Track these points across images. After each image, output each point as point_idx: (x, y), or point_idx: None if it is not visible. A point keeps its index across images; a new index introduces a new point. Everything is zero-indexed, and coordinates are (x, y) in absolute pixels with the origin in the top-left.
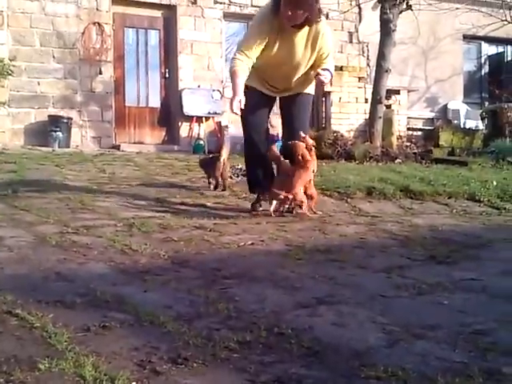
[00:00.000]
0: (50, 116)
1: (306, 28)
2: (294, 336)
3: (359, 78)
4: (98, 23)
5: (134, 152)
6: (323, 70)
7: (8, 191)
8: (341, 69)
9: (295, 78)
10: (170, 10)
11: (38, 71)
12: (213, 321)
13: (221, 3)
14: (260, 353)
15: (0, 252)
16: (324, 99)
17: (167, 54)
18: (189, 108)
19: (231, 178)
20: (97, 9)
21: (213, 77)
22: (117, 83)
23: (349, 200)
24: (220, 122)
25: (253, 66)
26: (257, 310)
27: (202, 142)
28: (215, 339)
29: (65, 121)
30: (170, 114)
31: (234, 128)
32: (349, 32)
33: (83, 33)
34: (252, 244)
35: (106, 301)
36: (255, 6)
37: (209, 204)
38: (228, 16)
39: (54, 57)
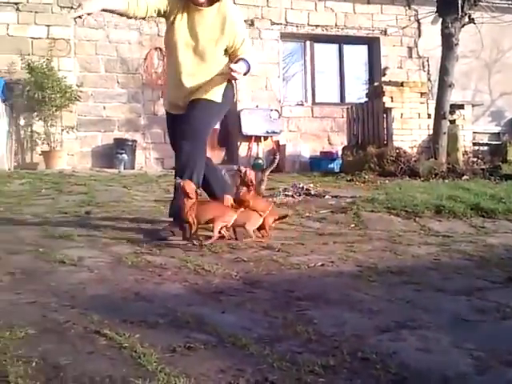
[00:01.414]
0: (115, 139)
1: (213, 9)
2: (379, 361)
3: (421, 94)
4: (160, 48)
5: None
6: (237, 61)
7: (81, 212)
8: (401, 84)
9: (199, 75)
10: None
11: (104, 96)
12: (293, 344)
13: (278, 24)
14: (345, 378)
15: (81, 272)
16: (385, 115)
17: None
18: (247, 128)
19: (293, 197)
20: (158, 34)
21: (270, 96)
22: None
23: (417, 219)
24: (278, 141)
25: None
26: (337, 333)
27: (260, 161)
28: (299, 363)
29: (129, 143)
30: (228, 134)
31: (292, 147)
32: (408, 47)
33: (145, 58)
34: (322, 265)
35: (186, 321)
36: (312, 26)
37: (272, 224)
38: (285, 36)
39: (118, 82)
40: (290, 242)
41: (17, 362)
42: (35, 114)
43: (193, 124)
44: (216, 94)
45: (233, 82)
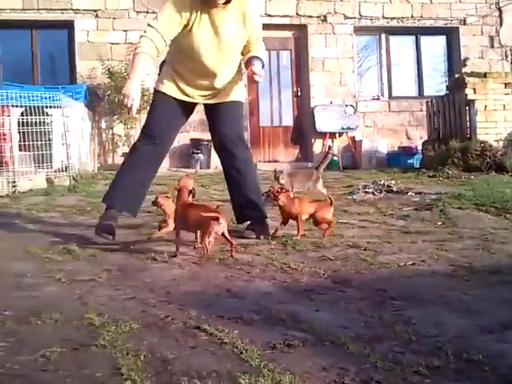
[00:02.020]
0: (191, 139)
1: (232, 5)
2: (487, 363)
3: (505, 84)
4: None
5: (270, 170)
6: (252, 61)
7: None
8: (484, 75)
9: (222, 74)
10: (301, 29)
11: None
12: (394, 344)
13: (351, 18)
14: (452, 379)
15: (173, 269)
16: (467, 108)
17: (299, 72)
18: (321, 124)
19: (374, 194)
20: None
21: (345, 92)
22: (251, 105)
23: (507, 215)
24: (354, 137)
25: (170, 65)
26: (438, 334)
27: (336, 158)
28: (402, 363)
29: (205, 143)
30: (302, 131)
31: (369, 143)
32: (489, 36)
33: None
34: (413, 264)
35: (281, 319)
36: (387, 18)
37: (354, 221)
38: (358, 30)
39: None
40: (375, 240)
41: (126, 355)
42: (115, 117)
43: (237, 129)
44: (241, 94)
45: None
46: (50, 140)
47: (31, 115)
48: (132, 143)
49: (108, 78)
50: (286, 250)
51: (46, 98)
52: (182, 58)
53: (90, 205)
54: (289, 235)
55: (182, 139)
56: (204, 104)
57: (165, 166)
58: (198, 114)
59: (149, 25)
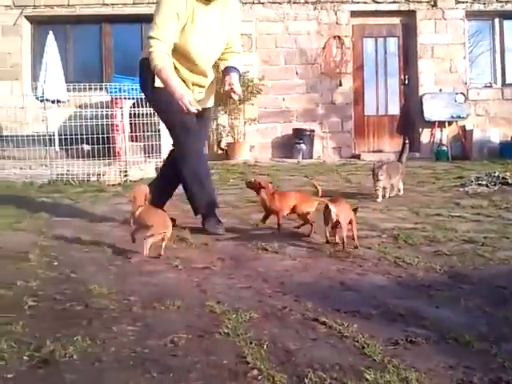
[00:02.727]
0: (293, 129)
1: (217, 4)
2: None
3: None
4: (338, 36)
5: (376, 161)
6: (231, 69)
7: None
8: None
9: (209, 75)
10: (409, 15)
11: (283, 88)
12: None
13: (463, 2)
14: None
15: (284, 260)
16: None
17: (406, 60)
18: (430, 113)
19: (487, 186)
20: (336, 22)
21: (455, 79)
22: (356, 94)
23: None
24: (464, 127)
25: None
26: None
27: (444, 148)
28: None
29: (307, 133)
30: (409, 120)
31: (480, 132)
32: None
33: (324, 47)
34: None
35: (399, 314)
36: (501, 1)
37: (467, 215)
38: (470, 15)
39: (297, 73)
40: (492, 235)
41: (250, 343)
42: (220, 107)
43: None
44: (213, 100)
45: None
46: (158, 131)
47: (141, 107)
48: (236, 133)
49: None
50: (397, 243)
51: None
52: (176, 57)
53: None
54: (399, 228)
55: (284, 129)
56: None
57: (267, 157)
58: (302, 104)
59: (151, 37)
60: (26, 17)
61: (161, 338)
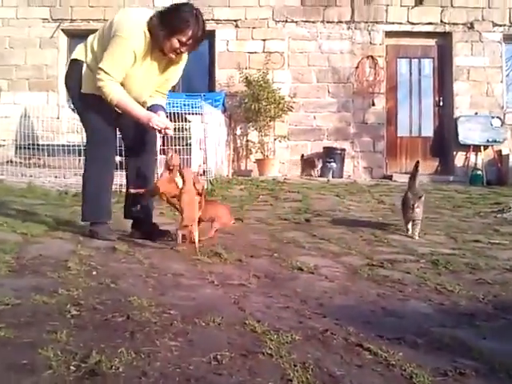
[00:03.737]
0: (324, 147)
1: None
2: None
3: None
4: (372, 56)
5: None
6: (158, 107)
7: (301, 219)
8: None
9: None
10: (445, 37)
11: (314, 106)
12: None
13: (500, 26)
14: None
15: (321, 281)
16: None
17: (441, 81)
18: (465, 136)
19: None
20: (370, 43)
21: (492, 103)
22: (389, 114)
23: None
24: (500, 151)
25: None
26: None
27: (479, 172)
28: None
29: (338, 152)
30: (443, 142)
31: None
32: None
33: (357, 67)
34: None
35: (447, 344)
36: None
37: (506, 242)
38: (507, 38)
39: (329, 92)
40: None
41: (294, 366)
42: (250, 124)
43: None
44: None
45: None
46: (189, 145)
47: (173, 121)
48: (265, 149)
49: (245, 86)
50: (437, 269)
51: (186, 105)
52: (127, 83)
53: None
54: (437, 253)
55: (314, 147)
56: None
57: (295, 174)
58: (333, 123)
59: (103, 70)
60: (62, 30)
61: (204, 354)
